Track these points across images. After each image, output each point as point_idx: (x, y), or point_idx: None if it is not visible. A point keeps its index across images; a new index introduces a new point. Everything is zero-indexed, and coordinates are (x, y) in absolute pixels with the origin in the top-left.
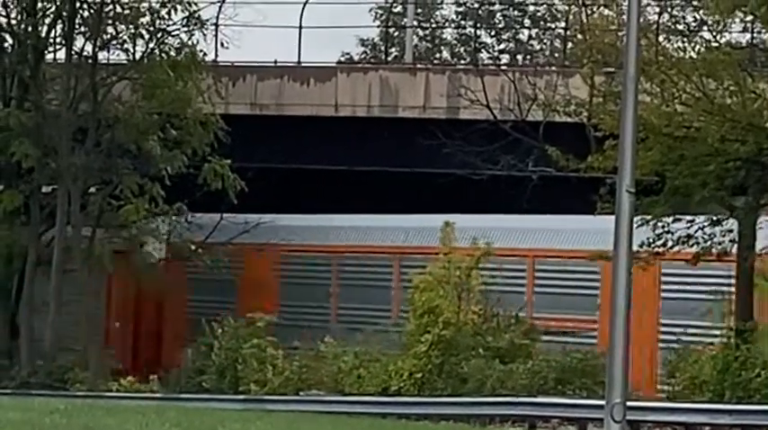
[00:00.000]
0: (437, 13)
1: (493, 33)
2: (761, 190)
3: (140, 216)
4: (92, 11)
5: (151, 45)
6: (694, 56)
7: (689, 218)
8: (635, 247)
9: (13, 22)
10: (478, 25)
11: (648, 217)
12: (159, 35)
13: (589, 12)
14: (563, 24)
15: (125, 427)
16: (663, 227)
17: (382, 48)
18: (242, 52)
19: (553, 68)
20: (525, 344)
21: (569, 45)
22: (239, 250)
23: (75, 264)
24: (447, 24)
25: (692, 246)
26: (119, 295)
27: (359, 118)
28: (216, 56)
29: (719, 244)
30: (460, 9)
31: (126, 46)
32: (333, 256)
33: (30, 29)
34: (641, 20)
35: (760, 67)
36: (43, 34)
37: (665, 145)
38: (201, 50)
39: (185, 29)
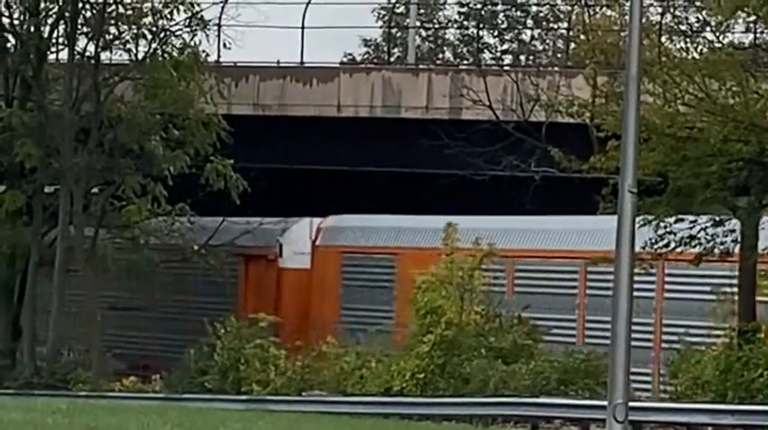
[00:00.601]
0: (440, 13)
1: (495, 34)
2: (763, 190)
3: (143, 216)
4: (94, 11)
5: (154, 45)
6: (697, 56)
7: (691, 218)
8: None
9: (16, 22)
10: (481, 26)
11: (651, 217)
12: (162, 35)
13: (592, 12)
14: (565, 25)
15: (127, 427)
16: (665, 227)
17: (385, 48)
18: (244, 53)
19: (556, 69)
20: (528, 345)
21: (572, 45)
22: (393, 255)
23: (78, 264)
24: (449, 25)
25: (695, 246)
26: (253, 303)
27: (361, 118)
28: (218, 56)
29: (722, 244)
30: (463, 9)
31: (128, 46)
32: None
33: (32, 29)
34: (644, 20)
35: (762, 68)
36: (46, 34)
37: (667, 145)
38: (204, 51)
39: (188, 29)
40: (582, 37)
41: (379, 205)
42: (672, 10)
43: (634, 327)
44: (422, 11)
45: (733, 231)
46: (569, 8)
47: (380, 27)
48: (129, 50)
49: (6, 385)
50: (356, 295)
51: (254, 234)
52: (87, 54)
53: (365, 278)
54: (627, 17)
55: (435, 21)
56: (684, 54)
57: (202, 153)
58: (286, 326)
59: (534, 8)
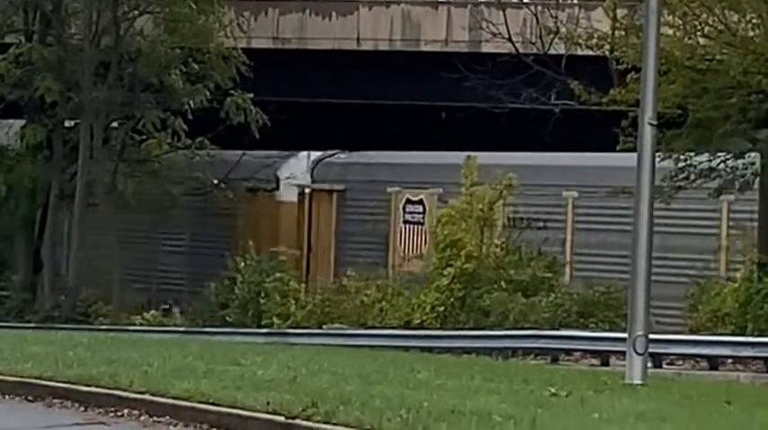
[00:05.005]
0: None
1: None
2: None
3: (163, 150)
4: None
5: None
6: None
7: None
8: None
9: None
10: None
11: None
12: None
13: None
14: None
15: (148, 360)
16: (685, 160)
17: None
18: None
19: (575, 1)
20: (548, 278)
21: None
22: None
23: (98, 198)
24: None
25: (715, 179)
26: None
27: (381, 52)
28: None
29: (742, 177)
30: None
31: None
32: None
33: None
34: None
35: None
36: None
37: (687, 78)
38: None
39: None
40: None
41: (399, 139)
42: None
43: None
44: None
45: (753, 164)
46: None
47: None
48: None
49: (27, 318)
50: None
51: None
52: None
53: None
54: None
55: None
56: None
57: (222, 87)
58: None
59: None
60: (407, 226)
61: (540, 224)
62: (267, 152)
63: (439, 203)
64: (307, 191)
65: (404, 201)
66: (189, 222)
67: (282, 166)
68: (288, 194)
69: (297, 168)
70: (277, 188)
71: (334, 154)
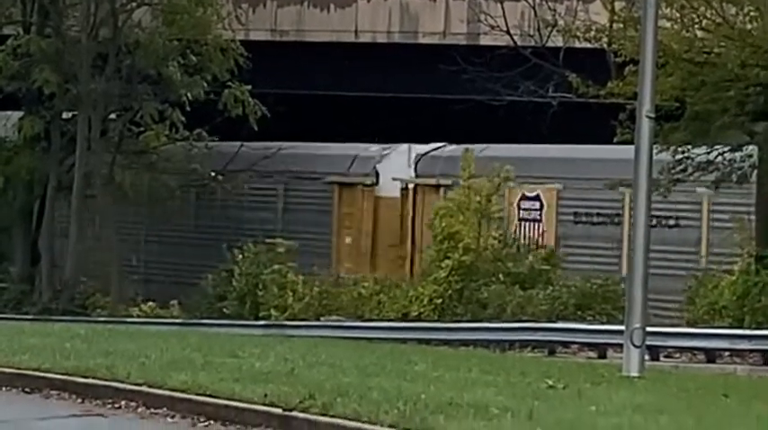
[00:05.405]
0: None
1: None
2: None
3: (160, 142)
4: None
5: None
6: None
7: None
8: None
9: None
10: None
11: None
12: None
13: None
14: None
15: (145, 352)
16: (683, 152)
17: None
18: None
19: None
20: (545, 270)
21: None
22: None
23: (96, 189)
24: None
25: (712, 172)
26: None
27: (379, 44)
28: None
29: (739, 169)
30: None
31: None
32: None
33: None
34: None
35: None
36: None
37: (685, 70)
38: None
39: None
40: None
41: (397, 131)
42: None
43: None
44: None
45: (750, 156)
46: None
47: None
48: None
49: (25, 310)
50: None
51: None
52: None
53: None
54: None
55: None
56: None
57: (220, 79)
58: None
59: None
60: (523, 223)
61: (672, 222)
62: (365, 145)
63: (560, 200)
64: (410, 186)
65: (519, 196)
66: (279, 216)
67: (383, 161)
68: (388, 189)
69: (398, 163)
70: (377, 183)
71: (438, 147)
